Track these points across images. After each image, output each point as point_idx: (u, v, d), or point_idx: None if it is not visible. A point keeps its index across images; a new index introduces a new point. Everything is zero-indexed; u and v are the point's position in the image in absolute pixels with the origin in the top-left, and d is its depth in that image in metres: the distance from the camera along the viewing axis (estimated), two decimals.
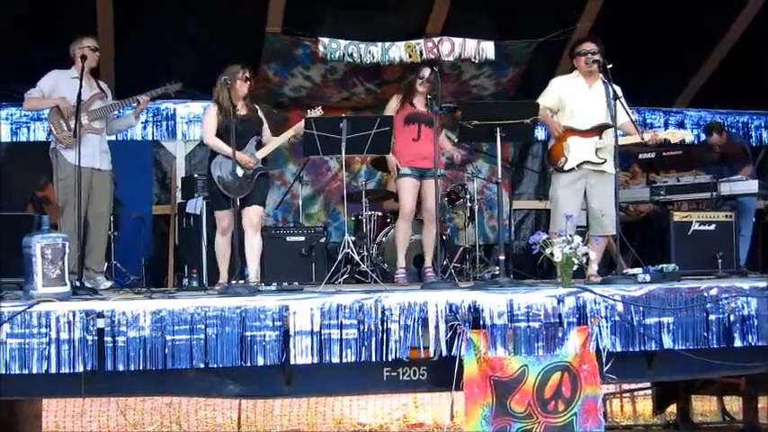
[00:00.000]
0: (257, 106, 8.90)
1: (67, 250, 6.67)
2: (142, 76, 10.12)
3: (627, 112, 8.30)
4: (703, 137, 12.22)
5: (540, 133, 11.29)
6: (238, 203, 8.31)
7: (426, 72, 9.22)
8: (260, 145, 8.67)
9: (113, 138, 9.40)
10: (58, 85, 8.73)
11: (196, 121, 11.46)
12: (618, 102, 8.06)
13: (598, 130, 8.47)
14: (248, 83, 8.57)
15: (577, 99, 8.55)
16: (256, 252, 8.54)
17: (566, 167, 8.48)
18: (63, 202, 8.64)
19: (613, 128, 8.19)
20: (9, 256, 7.73)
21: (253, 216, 8.50)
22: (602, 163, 8.44)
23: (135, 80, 9.84)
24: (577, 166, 8.46)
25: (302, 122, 8.55)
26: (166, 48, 10.78)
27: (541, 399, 6.49)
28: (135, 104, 9.04)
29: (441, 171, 8.87)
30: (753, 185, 10.21)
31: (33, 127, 10.89)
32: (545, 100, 8.60)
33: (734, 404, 11.45)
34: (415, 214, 9.62)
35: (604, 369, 6.61)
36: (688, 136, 8.96)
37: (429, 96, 8.70)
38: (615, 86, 8.11)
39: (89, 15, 10.06)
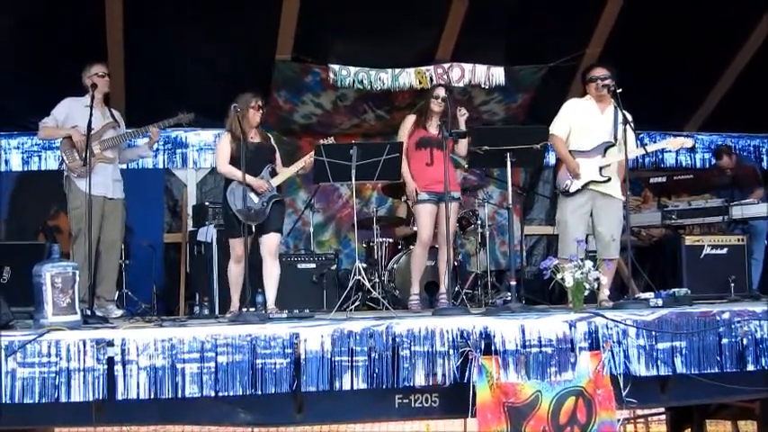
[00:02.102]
0: (270, 135, 8.89)
1: (77, 279, 6.67)
2: (153, 103, 10.15)
3: (635, 139, 8.29)
4: (714, 161, 12.23)
5: (551, 158, 11.27)
6: (253, 230, 8.36)
7: (441, 91, 9.19)
8: (274, 173, 8.66)
9: (124, 166, 9.39)
10: (72, 113, 8.72)
11: (207, 148, 11.51)
12: (627, 127, 8.05)
13: (601, 150, 8.48)
14: (260, 111, 8.57)
15: (587, 122, 8.56)
16: (275, 280, 8.50)
17: (572, 190, 8.49)
18: (76, 231, 8.63)
19: (616, 146, 8.28)
20: (20, 284, 7.75)
21: (270, 244, 8.47)
22: (607, 181, 8.44)
23: (146, 107, 9.89)
24: (583, 187, 8.46)
25: (312, 153, 8.55)
26: (177, 75, 10.80)
27: (557, 425, 6.44)
28: (148, 136, 9.05)
29: (456, 195, 8.85)
30: (764, 209, 10.16)
31: (44, 156, 10.92)
32: (559, 129, 8.59)
33: (749, 428, 11.40)
34: None
35: (624, 393, 6.58)
36: (688, 143, 8.95)
37: (439, 122, 8.70)
38: (626, 113, 8.11)
39: (99, 42, 10.08)
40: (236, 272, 8.53)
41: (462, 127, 8.85)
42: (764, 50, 11.76)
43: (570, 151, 8.56)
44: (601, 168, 8.46)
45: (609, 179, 8.46)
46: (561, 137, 8.60)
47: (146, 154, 9.53)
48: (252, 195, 8.35)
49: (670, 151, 12.29)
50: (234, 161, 8.35)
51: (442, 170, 8.57)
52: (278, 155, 8.79)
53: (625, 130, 8.05)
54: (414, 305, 9.12)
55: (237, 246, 8.46)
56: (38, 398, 5.88)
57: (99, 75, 8.77)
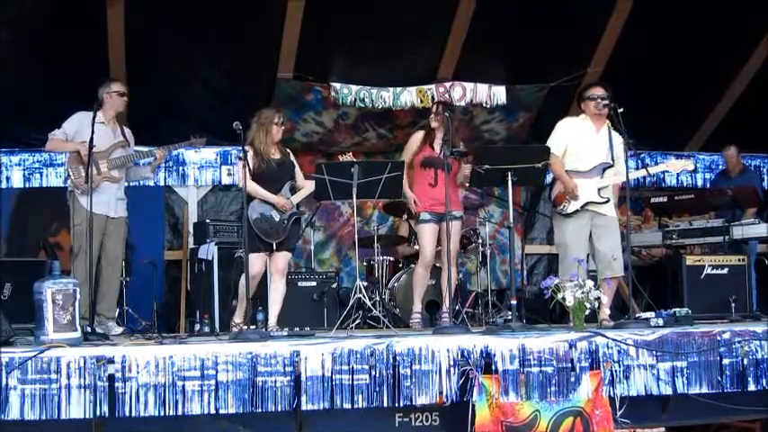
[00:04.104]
0: (289, 150, 8.84)
1: (78, 296, 6.66)
2: (154, 120, 10.17)
3: (626, 160, 8.27)
4: (714, 177, 12.29)
5: (550, 177, 11.28)
6: (274, 247, 8.34)
7: (438, 107, 9.22)
8: (294, 189, 8.61)
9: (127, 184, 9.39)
10: (82, 128, 8.55)
11: (208, 166, 11.51)
12: (623, 147, 8.06)
13: (599, 171, 8.49)
14: (282, 127, 8.56)
15: (584, 142, 8.57)
16: (279, 298, 8.47)
17: (569, 210, 8.50)
18: (77, 248, 8.57)
19: (614, 167, 8.29)
20: (21, 301, 7.75)
21: (280, 262, 8.44)
22: (605, 202, 8.46)
23: (146, 124, 9.86)
24: (581, 207, 8.47)
25: None
26: (178, 92, 10.79)
27: None
28: (152, 158, 9.03)
29: (458, 214, 8.84)
30: (762, 229, 10.15)
31: (46, 173, 10.89)
32: (555, 147, 8.58)
33: None
34: None
35: (618, 414, 6.58)
36: (689, 165, 8.99)
37: (441, 141, 8.73)
38: (622, 133, 8.12)
39: (102, 61, 10.08)
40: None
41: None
42: (765, 71, 11.77)
43: (567, 171, 8.57)
44: (599, 189, 8.47)
45: (608, 200, 8.47)
46: (557, 155, 8.59)
47: (148, 176, 9.45)
48: (273, 213, 8.34)
49: (671, 174, 12.32)
50: (255, 178, 8.31)
51: (444, 192, 8.56)
52: (297, 170, 8.72)
53: (626, 150, 8.05)
54: (415, 323, 9.11)
55: (255, 261, 8.24)
56: (38, 415, 5.87)
57: (119, 93, 8.78)
